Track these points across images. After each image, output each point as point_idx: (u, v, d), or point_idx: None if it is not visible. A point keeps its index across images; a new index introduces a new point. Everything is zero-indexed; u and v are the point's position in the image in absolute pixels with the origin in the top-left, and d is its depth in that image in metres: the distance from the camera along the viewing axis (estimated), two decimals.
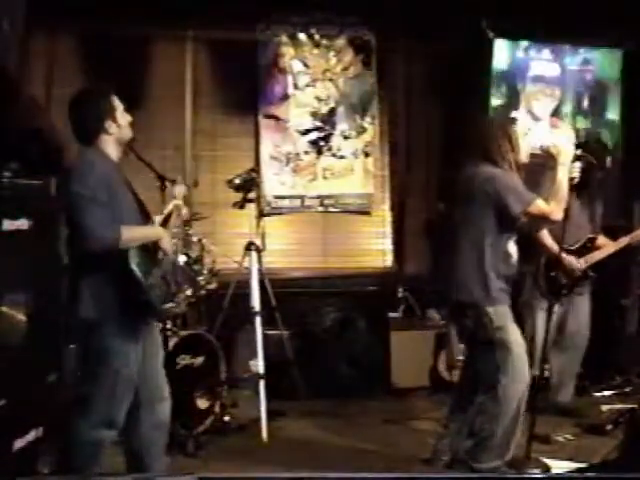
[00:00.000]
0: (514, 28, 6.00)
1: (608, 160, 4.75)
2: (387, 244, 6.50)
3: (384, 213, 6.50)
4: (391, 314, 5.90)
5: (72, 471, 3.23)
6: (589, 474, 2.98)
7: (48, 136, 3.51)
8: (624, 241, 4.86)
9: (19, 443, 3.15)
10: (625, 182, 6.37)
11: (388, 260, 6.51)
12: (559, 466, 3.97)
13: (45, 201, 3.50)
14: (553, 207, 3.72)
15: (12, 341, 3.18)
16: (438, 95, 6.44)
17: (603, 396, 5.35)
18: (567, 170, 3.77)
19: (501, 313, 3.72)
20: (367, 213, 6.43)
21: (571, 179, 3.79)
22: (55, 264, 3.62)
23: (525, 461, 3.80)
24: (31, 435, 3.23)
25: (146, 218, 3.40)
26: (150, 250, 3.29)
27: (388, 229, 6.50)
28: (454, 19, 5.86)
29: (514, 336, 3.73)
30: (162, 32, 6.00)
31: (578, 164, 3.83)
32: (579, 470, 3.52)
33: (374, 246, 6.50)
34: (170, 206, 3.60)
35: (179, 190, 3.67)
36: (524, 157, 3.82)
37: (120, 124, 3.32)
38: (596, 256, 4.81)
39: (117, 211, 3.16)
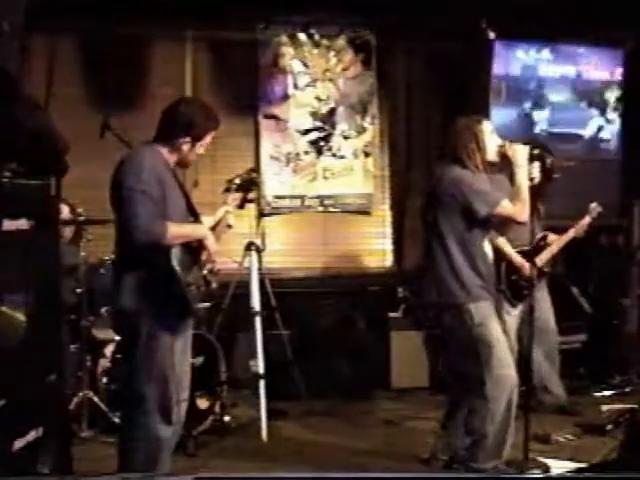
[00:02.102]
0: (514, 28, 6.00)
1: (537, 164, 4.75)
2: (387, 244, 6.51)
3: (384, 213, 6.50)
4: (391, 314, 5.90)
5: (133, 472, 3.22)
6: (589, 474, 2.99)
7: (48, 136, 3.50)
8: (570, 234, 5.01)
9: (19, 443, 3.15)
10: (625, 182, 6.38)
11: (388, 260, 6.51)
12: (559, 466, 3.97)
13: (45, 201, 3.50)
14: (518, 209, 3.69)
15: (12, 341, 3.17)
16: (438, 95, 6.44)
17: (603, 396, 5.35)
18: (525, 171, 3.73)
19: (481, 310, 3.71)
20: (367, 213, 6.43)
21: (531, 179, 3.75)
22: (55, 264, 3.62)
23: (524, 461, 3.79)
24: (31, 435, 3.23)
25: (195, 218, 3.44)
26: (194, 249, 3.34)
27: (388, 229, 6.51)
28: (454, 19, 5.86)
29: (495, 332, 3.72)
30: (162, 32, 6.00)
31: (537, 164, 3.80)
32: (579, 470, 3.52)
33: (374, 246, 6.50)
34: (221, 212, 3.63)
35: (233, 197, 3.72)
36: (492, 156, 3.80)
37: (193, 151, 3.37)
38: (549, 253, 4.95)
39: (167, 208, 3.22)
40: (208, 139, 3.40)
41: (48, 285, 3.50)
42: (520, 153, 3.75)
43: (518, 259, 4.70)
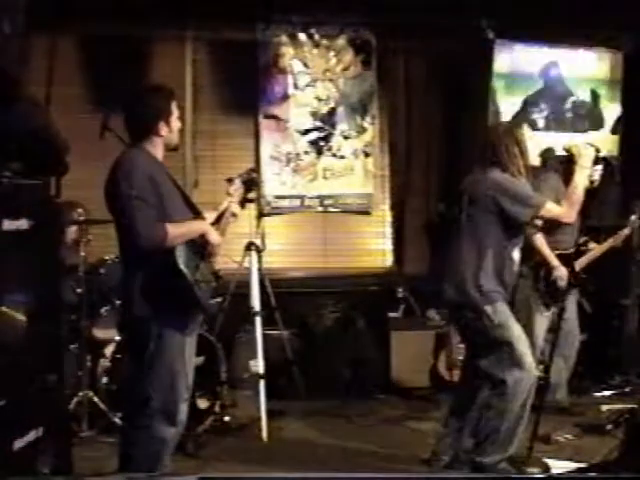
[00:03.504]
0: (514, 28, 6.00)
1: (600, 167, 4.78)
2: (387, 244, 6.51)
3: (384, 213, 6.50)
4: (391, 314, 5.90)
5: (134, 472, 3.22)
6: (589, 474, 2.99)
7: (48, 136, 3.50)
8: (608, 243, 5.03)
9: (19, 443, 3.15)
10: (625, 182, 6.37)
11: (388, 260, 6.51)
12: (559, 466, 3.97)
13: (45, 201, 3.50)
14: (566, 209, 3.71)
15: (12, 341, 3.17)
16: (438, 95, 6.44)
17: (603, 396, 5.35)
18: (587, 173, 3.73)
19: (500, 311, 3.72)
20: (367, 213, 6.43)
21: (591, 182, 3.76)
22: (55, 264, 3.62)
23: (525, 461, 3.79)
24: (31, 435, 3.23)
25: (195, 213, 3.42)
26: (199, 246, 3.33)
27: (388, 229, 6.50)
28: (454, 19, 5.86)
29: (516, 332, 3.74)
30: (162, 32, 6.00)
31: (599, 167, 3.80)
32: (579, 470, 3.52)
33: (374, 246, 6.50)
34: (225, 204, 3.60)
35: (235, 188, 3.68)
36: (532, 160, 3.81)
37: (172, 128, 3.37)
38: (587, 259, 4.95)
39: (165, 209, 3.21)
40: (175, 108, 3.39)
41: (48, 285, 3.50)
42: (585, 154, 3.75)
43: (556, 262, 4.69)
